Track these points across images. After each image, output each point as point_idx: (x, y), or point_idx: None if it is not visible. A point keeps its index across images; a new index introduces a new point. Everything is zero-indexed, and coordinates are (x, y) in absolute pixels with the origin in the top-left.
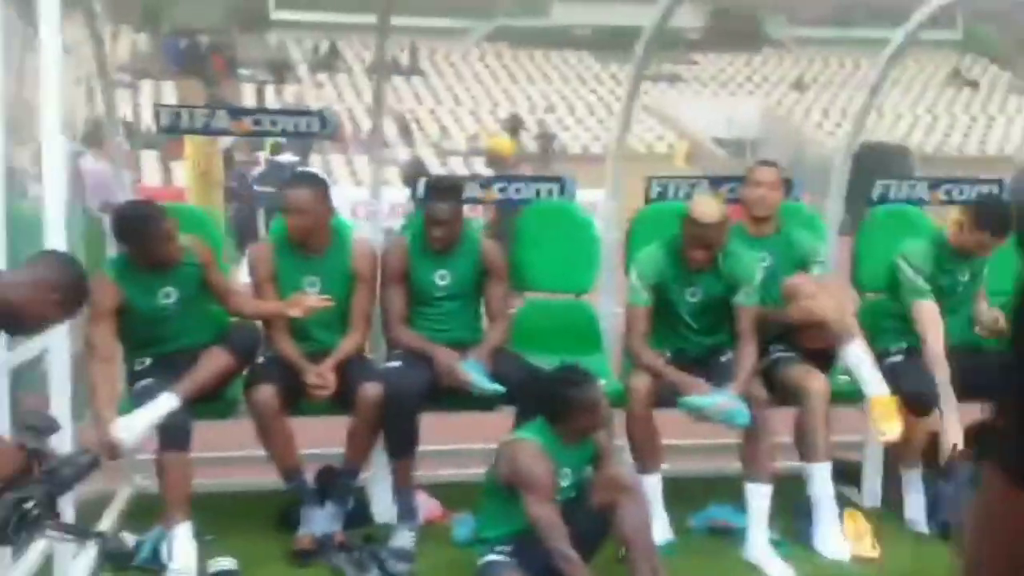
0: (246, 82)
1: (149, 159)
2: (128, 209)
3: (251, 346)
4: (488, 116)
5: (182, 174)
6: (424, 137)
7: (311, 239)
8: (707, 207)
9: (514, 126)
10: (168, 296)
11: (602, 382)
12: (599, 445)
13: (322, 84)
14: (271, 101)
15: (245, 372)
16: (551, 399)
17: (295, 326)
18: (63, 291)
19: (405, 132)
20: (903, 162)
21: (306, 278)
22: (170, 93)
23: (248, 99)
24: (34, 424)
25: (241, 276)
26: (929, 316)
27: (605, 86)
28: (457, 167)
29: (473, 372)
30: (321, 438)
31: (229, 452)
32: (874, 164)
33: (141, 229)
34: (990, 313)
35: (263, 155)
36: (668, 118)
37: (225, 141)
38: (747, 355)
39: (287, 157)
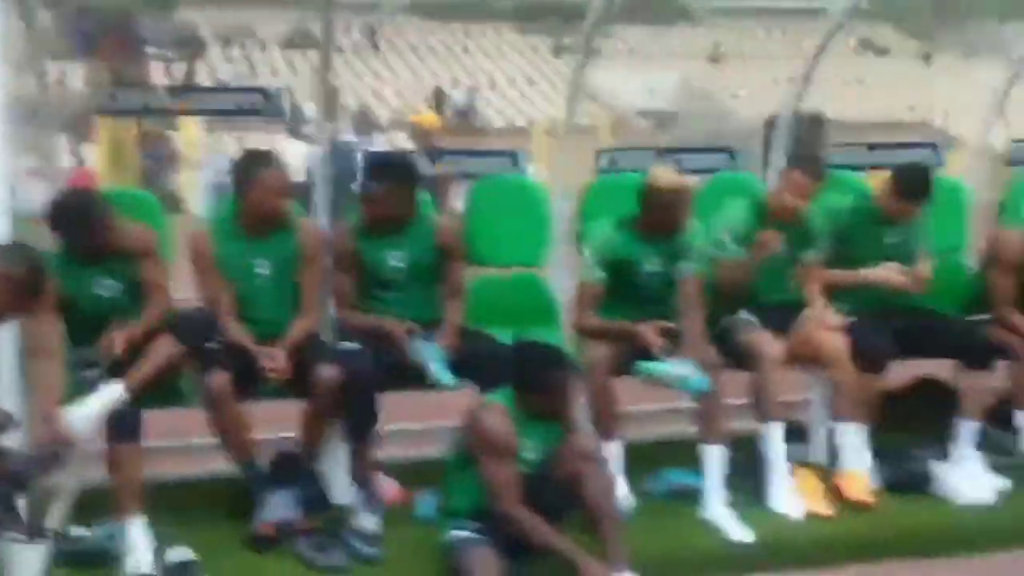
0: (155, 60)
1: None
2: (66, 197)
3: (201, 333)
4: (410, 91)
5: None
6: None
7: (265, 221)
8: (671, 175)
9: (438, 100)
10: (106, 288)
11: None
12: (568, 423)
13: (233, 60)
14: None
15: (197, 359)
16: (526, 375)
17: (245, 310)
18: (15, 284)
19: (329, 109)
20: (818, 130)
21: (256, 261)
22: (76, 75)
23: (157, 78)
24: None
25: None
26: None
27: (526, 59)
28: (380, 143)
29: (429, 357)
30: (273, 422)
31: (183, 441)
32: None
33: (80, 218)
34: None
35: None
36: (590, 92)
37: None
38: (695, 321)
39: None
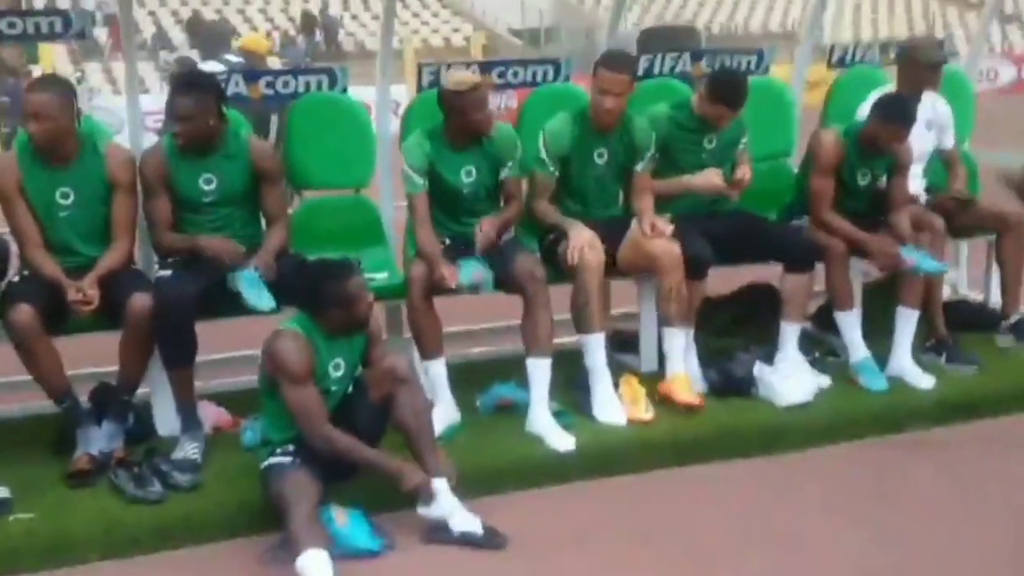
0: None
1: None
2: None
3: None
4: (280, 15)
5: None
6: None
7: (57, 147)
8: (459, 75)
9: (308, 24)
10: None
11: (383, 275)
12: (370, 337)
13: None
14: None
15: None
16: (309, 291)
17: (53, 241)
18: None
19: (193, 34)
20: (690, 42)
21: (58, 190)
22: None
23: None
24: None
25: None
26: (539, 185)
27: None
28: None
29: (245, 285)
30: (97, 355)
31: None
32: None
33: None
34: (738, 172)
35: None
36: (462, 11)
37: None
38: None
39: None
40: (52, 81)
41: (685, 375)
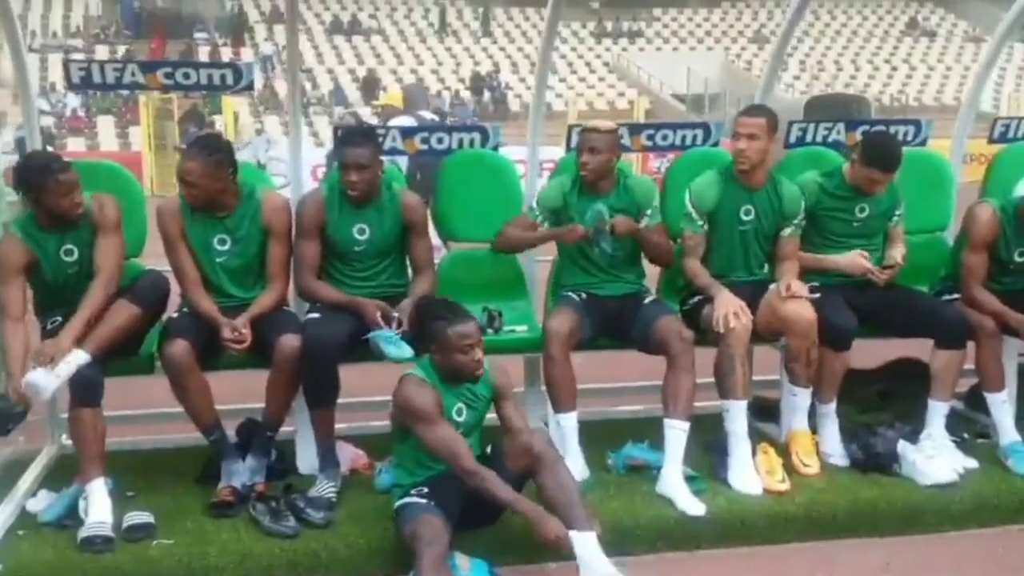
0: (203, 44)
1: (106, 125)
2: (28, 159)
3: (158, 296)
4: (451, 75)
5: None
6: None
7: (210, 206)
8: (599, 120)
9: (477, 85)
10: (70, 254)
11: (523, 328)
12: (495, 389)
13: (279, 44)
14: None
15: (161, 327)
16: (424, 332)
17: (210, 283)
18: None
19: (368, 92)
20: (861, 112)
21: (216, 236)
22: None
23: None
24: None
25: None
26: (687, 243)
27: (567, 43)
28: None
29: (383, 344)
30: (246, 392)
31: (152, 409)
32: (829, 114)
33: (38, 180)
34: (890, 253)
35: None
36: (628, 75)
37: (186, 105)
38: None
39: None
40: (204, 146)
41: (806, 432)
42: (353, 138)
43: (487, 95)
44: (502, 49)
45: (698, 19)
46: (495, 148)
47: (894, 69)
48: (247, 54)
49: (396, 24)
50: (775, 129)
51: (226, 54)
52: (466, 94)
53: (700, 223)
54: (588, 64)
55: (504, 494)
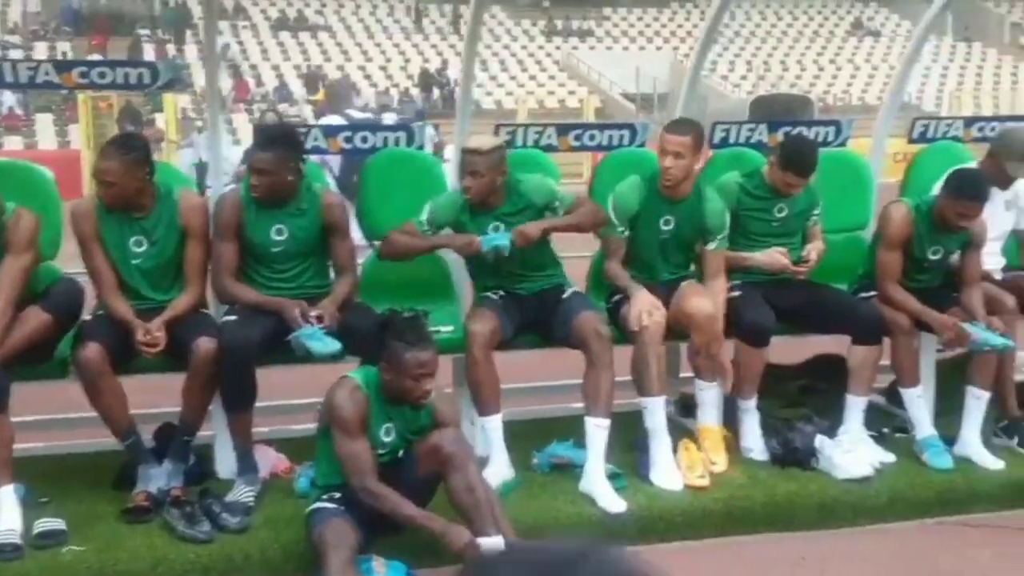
0: (147, 41)
1: (45, 123)
2: None
3: (70, 303)
4: (399, 72)
5: (76, 137)
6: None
7: (127, 206)
8: (480, 138)
9: (426, 82)
10: None
11: (449, 328)
12: (436, 419)
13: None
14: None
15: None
16: (381, 346)
17: (126, 285)
18: None
19: (312, 88)
20: (804, 112)
21: (132, 238)
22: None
23: (149, 58)
24: None
25: None
26: (608, 245)
27: (518, 42)
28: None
29: (308, 340)
30: (165, 396)
31: (69, 413)
32: (773, 114)
33: None
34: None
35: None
36: (578, 73)
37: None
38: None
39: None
40: (119, 146)
41: (714, 428)
42: (261, 141)
43: (436, 92)
44: (451, 46)
45: (648, 19)
46: (420, 147)
47: (839, 69)
48: (191, 51)
49: (343, 20)
50: (701, 144)
51: (172, 51)
52: (415, 91)
53: (621, 228)
54: (539, 62)
55: (405, 511)
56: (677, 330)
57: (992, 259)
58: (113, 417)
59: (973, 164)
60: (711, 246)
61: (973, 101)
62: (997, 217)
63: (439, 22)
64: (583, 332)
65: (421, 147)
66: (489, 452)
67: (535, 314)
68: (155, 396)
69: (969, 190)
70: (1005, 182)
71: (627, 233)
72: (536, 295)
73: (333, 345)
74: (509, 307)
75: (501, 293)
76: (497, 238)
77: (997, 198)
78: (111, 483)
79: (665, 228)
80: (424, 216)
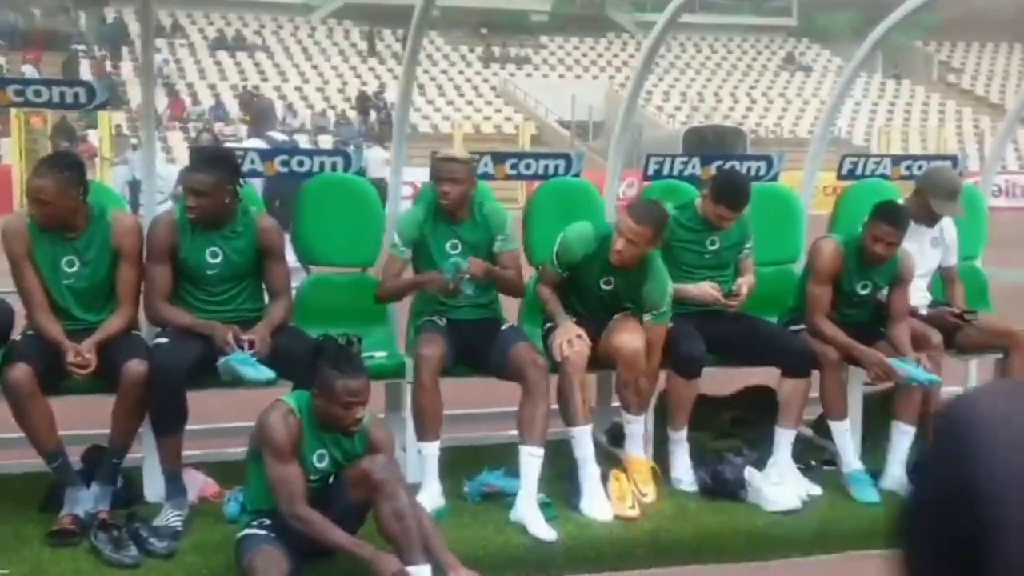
0: (84, 57)
1: None
2: None
3: (1, 323)
4: (337, 95)
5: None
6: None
7: (61, 225)
8: (455, 149)
9: (363, 105)
10: None
11: (383, 353)
12: (372, 442)
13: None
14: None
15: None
16: (314, 372)
17: (57, 305)
18: None
19: (247, 110)
20: (736, 143)
21: (64, 258)
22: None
23: (85, 75)
24: None
25: None
26: (544, 273)
27: (455, 67)
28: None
29: (240, 366)
30: (94, 418)
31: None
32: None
33: None
34: (738, 282)
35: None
36: (515, 100)
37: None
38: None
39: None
40: (53, 164)
41: (642, 460)
42: (197, 162)
43: (373, 115)
44: (389, 70)
45: (584, 48)
46: (358, 172)
47: (771, 102)
48: (127, 68)
49: (282, 41)
50: (660, 237)
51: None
52: (352, 114)
53: (559, 270)
54: (476, 88)
55: (335, 538)
56: (606, 361)
57: (919, 295)
58: (40, 438)
59: (900, 201)
60: (647, 318)
61: (901, 136)
62: (924, 254)
63: (395, 46)
64: (520, 361)
65: (361, 172)
66: (422, 479)
67: (472, 342)
68: (84, 418)
69: (889, 215)
70: (931, 220)
71: (565, 274)
72: (474, 323)
73: (266, 373)
74: (450, 332)
75: (445, 319)
76: (459, 260)
77: (924, 236)
78: (38, 505)
79: (605, 287)
80: (396, 240)
